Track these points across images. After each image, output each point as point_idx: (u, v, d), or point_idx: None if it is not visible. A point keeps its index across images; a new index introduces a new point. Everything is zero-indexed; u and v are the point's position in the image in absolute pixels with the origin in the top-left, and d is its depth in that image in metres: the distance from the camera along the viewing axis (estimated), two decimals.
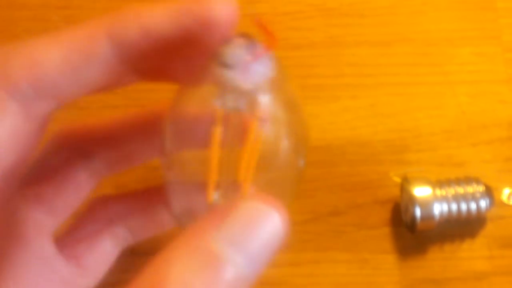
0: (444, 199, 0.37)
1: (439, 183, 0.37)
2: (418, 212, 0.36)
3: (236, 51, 0.24)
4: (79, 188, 0.30)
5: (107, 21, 0.23)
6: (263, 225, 0.22)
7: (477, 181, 0.37)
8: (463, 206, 0.37)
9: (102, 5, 0.45)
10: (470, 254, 0.38)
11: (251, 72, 0.24)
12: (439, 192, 0.37)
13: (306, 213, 0.40)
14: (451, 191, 0.37)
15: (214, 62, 0.24)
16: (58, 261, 0.28)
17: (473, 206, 0.37)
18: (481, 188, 0.37)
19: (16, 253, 0.26)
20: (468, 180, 0.37)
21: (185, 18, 0.23)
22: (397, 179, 0.39)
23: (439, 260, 0.38)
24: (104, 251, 0.30)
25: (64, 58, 0.22)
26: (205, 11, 0.23)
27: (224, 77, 0.24)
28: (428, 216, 0.36)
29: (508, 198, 0.39)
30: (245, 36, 0.25)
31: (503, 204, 0.39)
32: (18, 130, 0.22)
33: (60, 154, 0.29)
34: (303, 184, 0.41)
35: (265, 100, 0.24)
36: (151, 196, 0.32)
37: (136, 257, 0.38)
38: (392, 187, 0.40)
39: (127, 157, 0.31)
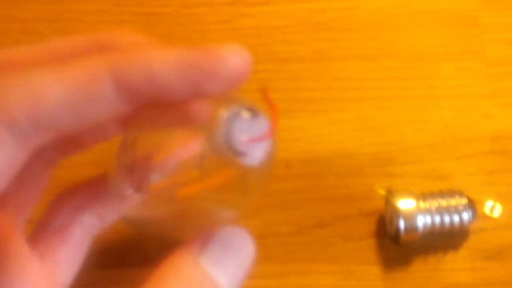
0: (428, 211, 0.37)
1: (422, 196, 0.38)
2: (402, 224, 0.37)
3: (242, 126, 0.24)
4: (36, 180, 0.29)
5: (113, 60, 0.22)
6: (240, 247, 0.26)
7: (460, 194, 0.38)
8: (446, 219, 0.37)
9: (93, 19, 0.46)
10: (453, 266, 0.39)
11: (254, 149, 0.24)
12: (422, 204, 0.37)
13: (293, 224, 0.41)
14: (434, 203, 0.37)
15: (218, 130, 0.24)
16: (33, 261, 0.27)
17: (456, 218, 0.37)
18: (464, 201, 0.38)
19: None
20: (451, 192, 0.38)
21: (193, 71, 0.23)
22: (382, 192, 0.39)
23: (423, 272, 0.39)
24: (76, 242, 0.30)
25: (66, 95, 0.22)
26: (216, 65, 0.23)
27: (226, 151, 0.24)
28: (411, 228, 0.37)
29: (491, 210, 0.40)
30: (252, 110, 0.25)
31: (486, 217, 0.40)
32: (13, 161, 0.22)
33: None
34: (289, 195, 0.41)
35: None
36: None
37: (127, 269, 0.39)
38: (377, 199, 0.40)
39: (76, 140, 0.30)
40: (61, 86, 0.21)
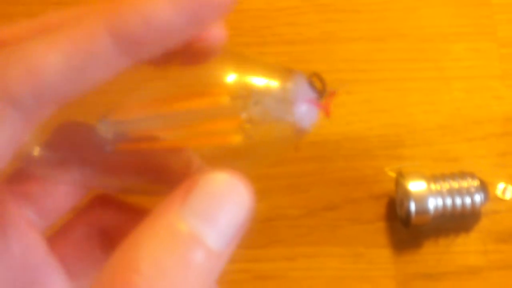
0: (439, 193, 0.37)
1: (434, 178, 0.37)
2: (413, 206, 0.36)
3: (308, 89, 0.24)
4: (70, 191, 0.29)
5: (106, 15, 0.21)
6: (230, 197, 0.21)
7: (472, 176, 0.37)
8: (458, 201, 0.37)
9: None
10: (465, 249, 0.39)
11: (309, 114, 0.24)
12: (434, 186, 0.37)
13: (301, 207, 0.40)
14: (446, 185, 0.37)
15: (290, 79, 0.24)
16: (48, 255, 0.27)
17: (467, 200, 0.37)
18: (475, 183, 0.37)
19: (7, 244, 0.25)
20: (463, 175, 0.37)
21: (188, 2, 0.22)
22: (392, 174, 0.39)
23: (434, 254, 0.39)
24: (93, 255, 0.30)
25: (65, 62, 0.21)
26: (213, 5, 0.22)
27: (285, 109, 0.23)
28: (422, 210, 0.36)
29: (503, 192, 0.39)
30: (319, 82, 0.24)
31: (498, 199, 0.39)
32: (17, 136, 0.22)
33: None
34: (298, 178, 0.41)
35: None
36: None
37: None
38: (387, 182, 0.40)
39: None
40: (59, 53, 0.21)
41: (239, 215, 0.21)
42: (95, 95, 0.25)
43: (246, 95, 0.24)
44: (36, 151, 0.25)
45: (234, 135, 0.23)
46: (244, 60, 0.26)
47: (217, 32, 0.25)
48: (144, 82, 0.25)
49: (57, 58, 0.21)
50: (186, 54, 0.24)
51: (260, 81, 0.24)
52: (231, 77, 0.24)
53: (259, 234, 0.39)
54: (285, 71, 0.25)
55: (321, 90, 0.24)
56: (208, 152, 0.24)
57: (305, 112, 0.24)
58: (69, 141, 0.26)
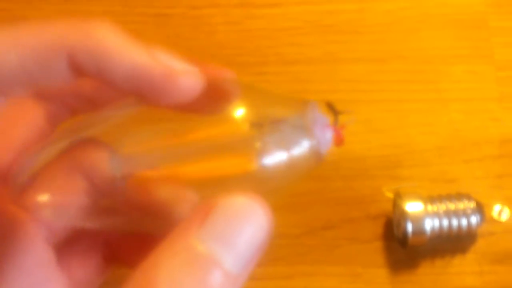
0: (436, 214, 0.37)
1: (430, 199, 0.38)
2: (409, 227, 0.37)
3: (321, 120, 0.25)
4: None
5: (73, 38, 0.22)
6: (248, 219, 0.22)
7: (468, 197, 0.38)
8: (454, 222, 0.37)
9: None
10: (461, 270, 0.39)
11: (326, 137, 0.25)
12: (430, 207, 0.37)
13: (300, 226, 0.41)
14: (442, 207, 0.37)
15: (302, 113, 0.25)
16: (58, 271, 0.28)
17: (464, 222, 0.37)
18: (472, 205, 0.37)
19: (18, 254, 0.26)
20: (459, 196, 0.38)
21: (143, 85, 0.23)
22: (390, 195, 0.39)
23: (430, 275, 0.39)
24: (96, 267, 0.30)
25: (20, 63, 0.22)
26: (168, 87, 0.23)
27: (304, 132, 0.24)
28: (419, 231, 0.37)
29: (499, 214, 0.39)
30: (333, 112, 0.26)
31: (494, 221, 0.40)
32: None
33: None
34: (297, 197, 0.41)
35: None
36: None
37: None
38: (384, 202, 0.40)
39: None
40: (17, 54, 0.22)
41: (257, 238, 0.22)
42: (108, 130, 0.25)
43: (262, 123, 0.24)
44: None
45: (250, 162, 0.23)
46: (257, 91, 0.26)
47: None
48: (159, 121, 0.26)
49: (14, 58, 0.22)
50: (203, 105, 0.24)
51: (275, 109, 0.25)
52: (245, 108, 0.24)
53: None
54: (298, 100, 0.26)
55: (335, 117, 0.26)
56: (225, 181, 0.24)
57: (321, 137, 0.25)
58: (79, 168, 0.26)
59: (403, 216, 0.37)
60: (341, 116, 0.26)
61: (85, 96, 0.28)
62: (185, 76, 0.23)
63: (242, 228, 0.21)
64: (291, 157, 0.24)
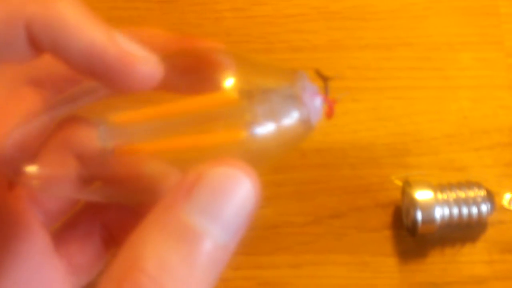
0: (446, 203, 0.37)
1: (440, 187, 0.37)
2: (419, 215, 0.36)
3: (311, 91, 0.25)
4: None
5: (33, 11, 0.22)
6: (235, 190, 0.21)
7: (479, 185, 0.37)
8: (465, 210, 0.37)
9: (107, 5, 0.45)
10: (471, 258, 0.39)
11: (316, 105, 0.25)
12: (440, 196, 0.37)
13: (307, 215, 0.40)
14: (452, 195, 0.37)
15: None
16: (56, 257, 0.27)
17: (474, 210, 0.37)
18: (482, 193, 0.37)
19: (18, 243, 0.26)
20: (469, 184, 0.37)
21: (98, 62, 0.22)
22: (399, 183, 0.39)
23: (440, 264, 0.39)
24: (96, 251, 0.30)
25: None
26: (127, 68, 0.22)
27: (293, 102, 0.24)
28: (429, 219, 0.36)
29: (509, 203, 0.39)
30: (323, 82, 0.25)
31: (504, 209, 0.39)
32: None
33: None
34: (304, 186, 0.41)
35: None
36: None
37: None
38: (393, 190, 0.40)
39: None
40: None
41: (244, 207, 0.21)
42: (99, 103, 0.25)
43: (252, 93, 0.24)
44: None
45: (240, 132, 0.23)
46: (248, 61, 0.26)
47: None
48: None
49: None
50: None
51: (265, 79, 0.25)
52: (235, 78, 0.24)
53: (264, 241, 0.40)
54: (288, 70, 0.25)
55: (324, 84, 0.25)
56: (214, 151, 0.24)
57: (311, 106, 0.24)
58: (68, 142, 0.26)
59: (413, 204, 0.37)
60: (332, 91, 0.26)
61: (81, 82, 0.27)
62: (142, 63, 0.23)
63: (229, 198, 0.21)
64: (281, 127, 0.24)
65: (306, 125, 0.24)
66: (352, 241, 0.39)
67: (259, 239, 0.40)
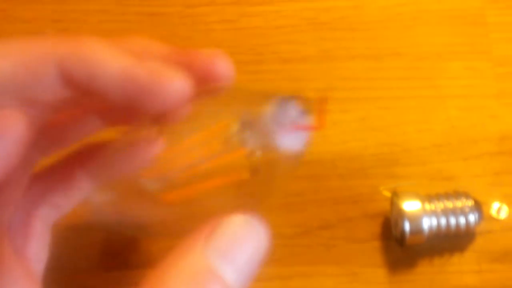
0: (433, 213, 0.37)
1: (428, 198, 0.37)
2: (407, 226, 0.36)
3: (291, 112, 0.25)
4: (17, 180, 0.29)
5: (62, 50, 0.24)
6: (249, 237, 0.23)
7: (466, 195, 0.37)
8: (452, 221, 0.37)
9: (97, 19, 0.46)
10: (459, 268, 0.39)
11: (295, 138, 0.25)
12: (428, 206, 0.37)
13: (297, 226, 0.40)
14: (440, 205, 0.37)
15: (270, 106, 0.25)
16: (15, 259, 0.27)
17: (462, 220, 0.37)
18: (470, 203, 0.37)
19: None
20: (457, 194, 0.37)
21: (132, 88, 0.24)
22: (387, 193, 0.39)
23: (428, 274, 0.39)
24: (40, 236, 0.30)
25: (13, 73, 0.23)
26: (157, 88, 0.24)
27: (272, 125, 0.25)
28: (417, 230, 0.36)
29: (497, 212, 0.39)
30: (303, 101, 0.26)
31: (492, 219, 0.39)
32: None
33: None
34: (293, 197, 0.41)
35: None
36: (68, 165, 0.31)
37: (129, 271, 0.38)
38: (382, 201, 0.40)
39: (58, 137, 0.31)
40: (10, 64, 0.23)
41: (256, 253, 0.24)
42: None
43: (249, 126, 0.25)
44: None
45: (243, 172, 0.25)
46: (244, 93, 0.27)
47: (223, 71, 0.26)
48: None
49: (6, 67, 0.23)
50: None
51: (249, 115, 0.26)
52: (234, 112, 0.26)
53: None
54: (269, 98, 0.26)
55: (306, 110, 0.26)
56: (224, 193, 0.26)
57: (288, 137, 0.25)
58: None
59: (401, 215, 0.37)
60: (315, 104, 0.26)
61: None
62: (171, 79, 0.24)
63: (243, 244, 0.23)
64: (274, 161, 0.25)
65: (294, 155, 0.26)
66: (341, 252, 0.39)
67: None
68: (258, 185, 0.26)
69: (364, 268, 0.39)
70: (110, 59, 0.24)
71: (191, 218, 0.27)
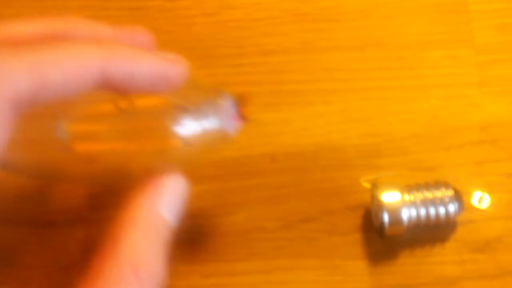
0: (413, 204, 0.37)
1: (408, 188, 0.37)
2: (386, 217, 0.36)
3: (228, 103, 0.31)
4: None
5: (106, 54, 0.27)
6: (183, 193, 0.31)
7: (446, 185, 0.37)
8: (432, 211, 0.37)
9: (78, 14, 0.45)
10: (441, 259, 0.38)
11: (226, 123, 0.31)
12: (407, 197, 0.37)
13: (278, 220, 0.40)
14: (419, 196, 0.37)
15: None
16: None
17: (441, 210, 0.37)
18: (450, 193, 0.37)
19: None
20: (437, 184, 0.37)
21: (160, 77, 0.29)
22: (367, 185, 0.39)
23: (410, 265, 0.38)
24: None
25: (63, 82, 0.26)
26: (175, 73, 0.29)
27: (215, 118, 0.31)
28: (396, 221, 0.36)
29: (479, 201, 0.39)
30: (239, 98, 0.32)
31: (474, 208, 0.39)
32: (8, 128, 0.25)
33: None
34: (275, 190, 0.41)
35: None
36: None
37: None
38: (363, 193, 0.40)
39: None
40: (61, 73, 0.26)
41: (184, 201, 0.31)
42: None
43: (186, 109, 0.30)
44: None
45: (175, 140, 0.30)
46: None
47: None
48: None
49: (58, 76, 0.26)
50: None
51: (196, 97, 0.31)
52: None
53: (235, 247, 0.40)
54: (215, 90, 0.32)
55: (241, 106, 0.32)
56: (155, 156, 0.31)
57: (228, 122, 0.31)
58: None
59: (380, 206, 0.36)
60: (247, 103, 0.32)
61: None
62: (179, 63, 0.29)
63: (180, 199, 0.31)
64: (207, 135, 0.31)
65: (224, 135, 0.32)
66: (323, 245, 0.39)
67: (230, 245, 0.40)
68: (186, 155, 0.31)
69: (346, 261, 0.39)
70: (143, 59, 0.28)
71: (117, 173, 0.32)
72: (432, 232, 0.38)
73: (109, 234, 0.28)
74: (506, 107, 0.41)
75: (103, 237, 0.28)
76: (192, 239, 0.40)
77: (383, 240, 0.38)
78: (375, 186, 0.37)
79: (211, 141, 0.31)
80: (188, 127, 0.30)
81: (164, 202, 0.30)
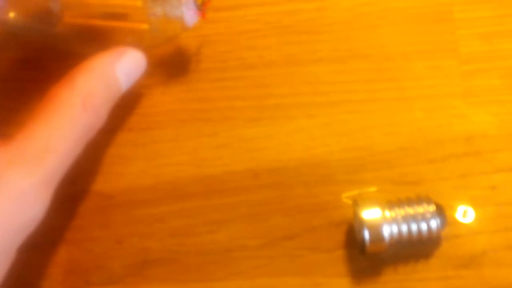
0: (394, 220, 0.36)
1: (389, 204, 0.36)
2: (367, 234, 0.36)
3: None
4: None
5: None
6: (142, 65, 0.39)
7: (428, 200, 0.36)
8: (414, 227, 0.36)
9: None
10: (425, 275, 0.38)
11: (189, 14, 0.39)
12: (388, 213, 0.36)
13: (261, 237, 0.40)
14: (401, 212, 0.36)
15: None
16: None
17: (424, 226, 0.36)
18: (431, 208, 0.36)
19: None
20: (418, 200, 0.37)
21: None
22: (348, 201, 0.38)
23: (394, 283, 0.38)
24: None
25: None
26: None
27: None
28: (377, 238, 0.36)
29: (463, 216, 0.38)
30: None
31: (459, 223, 0.38)
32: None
33: None
34: (257, 207, 0.40)
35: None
36: None
37: None
38: (347, 208, 0.39)
39: None
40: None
41: (141, 74, 0.39)
42: None
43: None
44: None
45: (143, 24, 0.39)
46: None
47: None
48: None
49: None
50: None
51: None
52: None
53: (217, 266, 0.39)
54: None
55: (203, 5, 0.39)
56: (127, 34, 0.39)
57: (189, 13, 0.39)
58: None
59: (360, 223, 0.36)
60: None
61: None
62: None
63: (136, 69, 0.38)
64: (169, 21, 0.38)
65: (184, 23, 0.39)
66: (306, 262, 0.39)
67: (211, 264, 0.39)
68: (150, 38, 0.39)
69: (329, 278, 0.38)
70: (117, 63, 0.37)
71: (91, 41, 0.39)
72: (416, 248, 0.38)
73: (69, 73, 0.35)
74: (491, 118, 0.40)
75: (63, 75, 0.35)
76: (172, 259, 0.39)
77: (366, 257, 0.37)
78: (356, 203, 0.37)
79: (172, 29, 0.39)
80: (157, 12, 0.38)
81: (121, 64, 0.36)
